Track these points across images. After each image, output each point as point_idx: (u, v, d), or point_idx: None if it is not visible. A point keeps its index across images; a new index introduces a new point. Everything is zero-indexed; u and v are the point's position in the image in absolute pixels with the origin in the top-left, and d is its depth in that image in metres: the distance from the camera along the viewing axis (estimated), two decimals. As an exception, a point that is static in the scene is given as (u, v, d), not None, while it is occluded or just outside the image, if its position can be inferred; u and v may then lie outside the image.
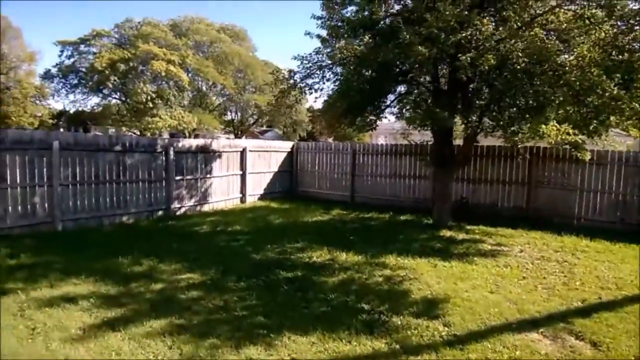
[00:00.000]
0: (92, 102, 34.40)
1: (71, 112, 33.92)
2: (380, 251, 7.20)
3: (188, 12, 35.99)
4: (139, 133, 29.57)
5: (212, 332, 4.20)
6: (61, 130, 31.38)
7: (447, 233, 8.86)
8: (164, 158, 10.27)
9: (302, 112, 35.06)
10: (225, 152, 12.05)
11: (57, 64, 33.49)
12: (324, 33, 8.88)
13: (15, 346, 3.94)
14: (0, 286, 5.30)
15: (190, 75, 33.55)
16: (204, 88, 37.25)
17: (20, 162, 7.86)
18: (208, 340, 4.03)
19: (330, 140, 37.31)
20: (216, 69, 33.95)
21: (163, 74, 30.54)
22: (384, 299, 5.17)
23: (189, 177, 10.91)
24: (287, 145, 14.52)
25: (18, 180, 7.85)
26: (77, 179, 8.67)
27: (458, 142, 10.38)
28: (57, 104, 34.38)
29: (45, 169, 8.16)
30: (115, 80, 31.28)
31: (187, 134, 31.20)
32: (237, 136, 38.72)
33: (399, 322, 4.56)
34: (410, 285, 5.72)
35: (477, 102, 8.69)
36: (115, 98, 34.11)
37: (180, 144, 10.75)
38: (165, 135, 28.47)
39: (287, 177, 14.33)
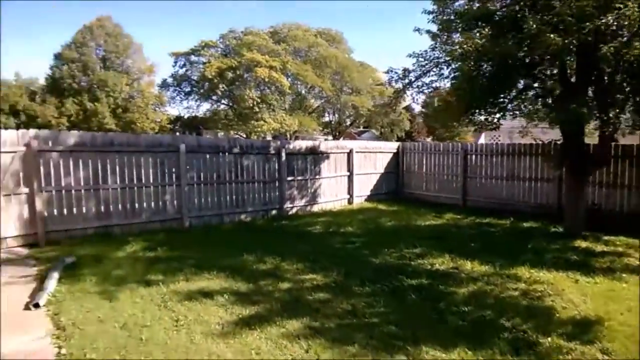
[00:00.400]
0: (204, 108, 37.15)
1: (185, 117, 36.88)
2: (509, 261, 6.59)
3: (286, 20, 37.04)
4: (245, 136, 31.26)
5: (346, 339, 4.08)
6: (177, 134, 34.26)
7: (582, 243, 7.90)
8: (276, 159, 10.58)
9: (401, 112, 34.52)
10: (333, 153, 12.09)
11: (172, 74, 36.73)
12: (434, 28, 8.49)
13: (163, 337, 4.17)
14: (144, 277, 5.76)
15: (290, 79, 34.73)
16: (303, 91, 38.32)
17: (153, 163, 8.58)
18: (344, 347, 3.92)
19: (428, 140, 36.14)
20: (314, 73, 34.71)
21: (266, 79, 31.96)
22: (525, 317, 4.66)
23: (299, 177, 11.12)
24: (393, 146, 14.20)
25: (151, 180, 8.57)
26: (202, 179, 9.25)
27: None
28: (173, 110, 37.67)
29: (173, 170, 8.82)
30: (223, 88, 33.42)
31: (288, 136, 32.31)
32: (335, 137, 39.24)
33: (548, 344, 4.06)
34: (552, 302, 5.11)
35: (618, 95, 7.64)
36: (223, 104, 36.44)
37: (291, 146, 11.01)
38: (269, 138, 29.66)
39: (393, 178, 14.01)
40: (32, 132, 7.39)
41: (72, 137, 7.69)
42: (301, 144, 11.43)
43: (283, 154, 10.58)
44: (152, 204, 8.66)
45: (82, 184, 7.79)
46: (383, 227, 9.41)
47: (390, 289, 5.47)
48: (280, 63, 32.65)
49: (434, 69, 8.50)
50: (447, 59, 8.20)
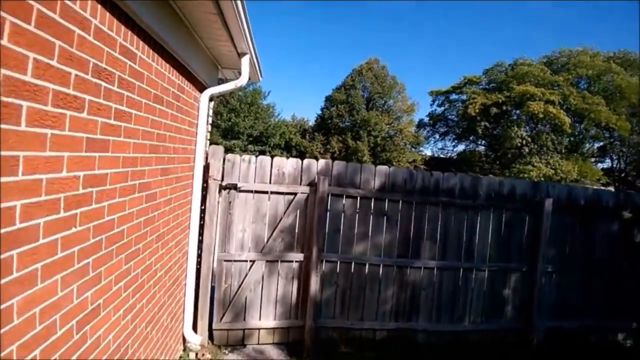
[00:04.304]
0: (458, 149, 33.17)
1: (437, 157, 33.58)
2: None
3: (564, 46, 29.72)
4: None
5: None
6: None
7: None
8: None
9: None
10: None
11: (428, 113, 34.12)
12: None
13: None
14: None
15: (569, 115, 27.28)
16: (581, 129, 29.86)
17: (494, 227, 4.69)
18: None
19: None
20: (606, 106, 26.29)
21: (540, 115, 25.74)
22: None
23: None
24: None
25: (487, 257, 4.67)
26: (565, 261, 4.91)
27: None
28: (426, 150, 34.76)
29: (523, 241, 4.77)
30: (485, 126, 28.70)
31: (563, 184, 25.02)
32: (617, 189, 29.26)
33: None
34: None
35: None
36: (481, 145, 31.62)
37: None
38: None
39: None
40: (322, 162, 4.40)
41: (380, 176, 4.51)
42: None
43: None
44: (481, 299, 4.75)
45: (381, 255, 4.50)
46: None
47: None
48: (560, 96, 25.92)
49: None
50: None
